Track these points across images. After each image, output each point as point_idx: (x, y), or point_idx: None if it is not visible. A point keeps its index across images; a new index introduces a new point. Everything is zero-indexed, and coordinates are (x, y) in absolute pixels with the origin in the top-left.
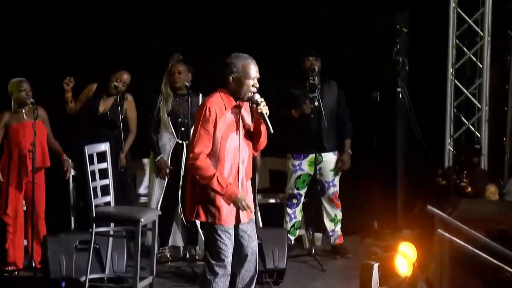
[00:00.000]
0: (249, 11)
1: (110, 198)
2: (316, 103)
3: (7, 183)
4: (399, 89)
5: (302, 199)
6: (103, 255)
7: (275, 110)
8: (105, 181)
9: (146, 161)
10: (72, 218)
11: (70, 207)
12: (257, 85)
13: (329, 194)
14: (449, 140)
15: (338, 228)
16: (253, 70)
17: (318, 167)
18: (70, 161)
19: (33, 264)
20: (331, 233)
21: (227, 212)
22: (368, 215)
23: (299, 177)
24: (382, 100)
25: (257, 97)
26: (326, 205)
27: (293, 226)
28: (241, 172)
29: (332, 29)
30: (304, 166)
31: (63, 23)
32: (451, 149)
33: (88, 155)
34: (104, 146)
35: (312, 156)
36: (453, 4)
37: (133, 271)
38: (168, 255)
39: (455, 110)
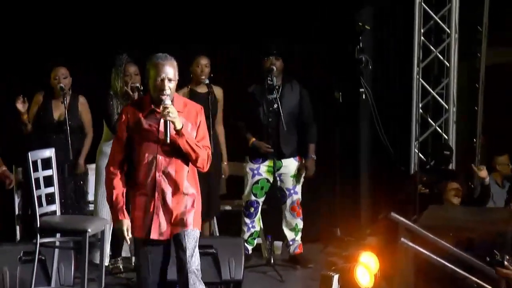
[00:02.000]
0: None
1: (56, 207)
2: (275, 106)
3: None
4: (362, 89)
5: (260, 207)
6: (49, 266)
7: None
8: (51, 189)
9: (92, 166)
10: (18, 228)
11: (16, 216)
12: (167, 87)
13: (291, 202)
14: (415, 143)
15: (299, 237)
16: (161, 71)
17: (278, 174)
18: (14, 169)
19: None
20: (291, 242)
21: (139, 223)
22: (330, 222)
23: (257, 182)
24: (344, 100)
25: (165, 101)
26: (286, 213)
27: (251, 235)
28: (162, 185)
29: (292, 26)
30: (262, 171)
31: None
32: (417, 151)
33: (32, 161)
34: (49, 152)
35: (270, 161)
36: (419, 0)
37: (81, 283)
38: (120, 266)
39: (421, 111)
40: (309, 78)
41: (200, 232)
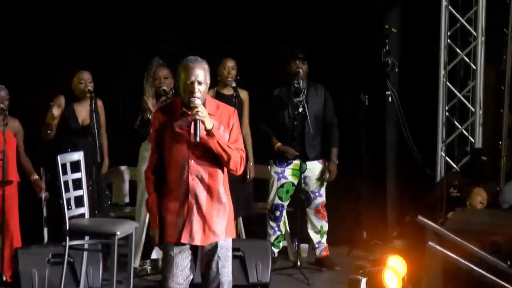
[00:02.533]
0: (238, 8)
1: (84, 209)
2: (301, 109)
3: None
4: (388, 92)
5: (285, 211)
6: (78, 269)
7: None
8: (79, 192)
9: (123, 168)
10: (45, 230)
11: (43, 218)
12: (196, 90)
13: (315, 205)
14: (441, 145)
15: (324, 239)
16: (190, 74)
17: (303, 177)
18: (44, 175)
19: (4, 278)
20: (316, 245)
21: (170, 227)
22: (356, 225)
23: (282, 186)
24: (370, 103)
25: (195, 101)
26: (311, 216)
27: (276, 239)
28: (195, 189)
29: (319, 29)
30: (287, 174)
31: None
32: (443, 154)
33: (61, 165)
34: (78, 156)
35: (296, 163)
36: (445, 3)
37: (109, 285)
38: (148, 269)
39: (447, 113)
40: (334, 81)
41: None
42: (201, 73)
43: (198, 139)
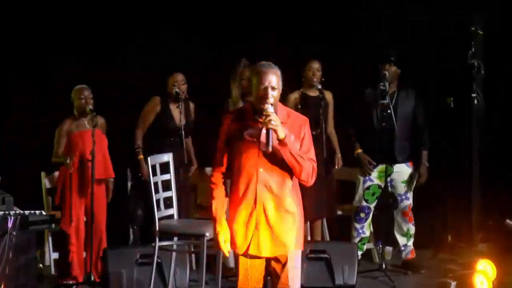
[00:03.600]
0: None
1: (173, 210)
2: (389, 111)
3: (69, 193)
4: (474, 95)
5: (371, 213)
6: (165, 269)
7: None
8: (168, 193)
9: (208, 169)
10: (131, 231)
11: (129, 219)
12: (270, 96)
13: (402, 208)
14: None
15: (411, 242)
16: (264, 79)
17: (389, 179)
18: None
19: (92, 278)
20: (403, 248)
21: (238, 237)
22: (441, 228)
23: (368, 188)
24: (456, 106)
25: (268, 108)
26: (398, 219)
27: (360, 241)
28: (263, 198)
29: (406, 32)
30: (374, 176)
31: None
32: None
33: (151, 166)
34: (167, 157)
35: (382, 166)
36: None
37: (198, 286)
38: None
39: None
40: (420, 84)
41: (310, 239)
42: (274, 79)
43: (270, 148)
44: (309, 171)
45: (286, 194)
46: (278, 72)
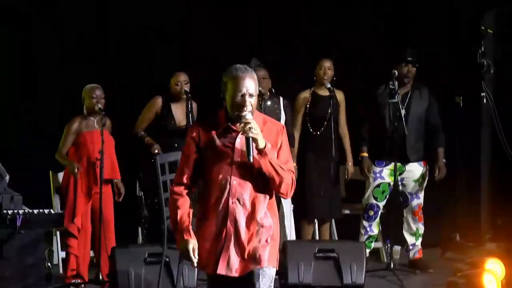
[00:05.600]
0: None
1: None
2: (403, 111)
3: (74, 191)
4: (483, 94)
5: (380, 211)
6: (173, 268)
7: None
8: None
9: None
10: (140, 230)
11: (137, 218)
12: (248, 103)
13: (413, 207)
14: None
15: (419, 242)
16: (241, 85)
17: (401, 178)
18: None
19: (101, 277)
20: (411, 247)
21: (206, 255)
22: (449, 227)
23: (378, 186)
24: (465, 105)
25: (246, 115)
26: (408, 217)
27: (368, 239)
28: (236, 213)
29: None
30: (385, 174)
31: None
32: None
33: (160, 165)
34: (175, 156)
35: (393, 164)
36: None
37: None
38: None
39: None
40: (429, 83)
41: (318, 238)
42: (252, 85)
43: (251, 159)
44: (288, 183)
45: (261, 208)
46: (255, 76)
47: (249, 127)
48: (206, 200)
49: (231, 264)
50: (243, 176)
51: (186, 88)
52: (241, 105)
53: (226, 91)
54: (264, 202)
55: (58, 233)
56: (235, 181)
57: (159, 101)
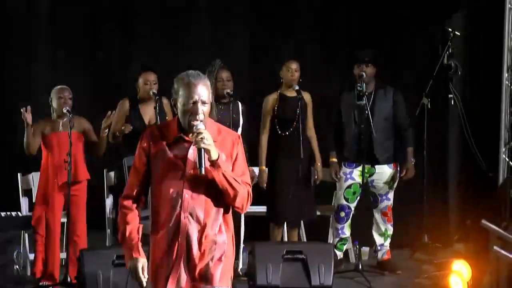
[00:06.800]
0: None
1: (149, 212)
2: (367, 112)
3: (43, 193)
4: (451, 95)
5: (351, 213)
6: None
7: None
8: None
9: None
10: (108, 232)
11: (106, 220)
12: (200, 111)
13: (382, 208)
14: (503, 149)
15: (387, 243)
16: (193, 92)
17: (371, 180)
18: (105, 173)
19: (69, 279)
20: (379, 248)
21: (155, 273)
22: (417, 228)
23: (349, 187)
24: (432, 106)
25: (198, 125)
26: (377, 218)
27: (340, 241)
28: (188, 229)
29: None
30: (355, 175)
31: None
32: (506, 158)
33: (128, 167)
34: None
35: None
36: (509, 5)
37: None
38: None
39: (510, 116)
40: (396, 84)
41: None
42: (204, 92)
43: (203, 171)
44: (244, 196)
45: (215, 224)
46: (208, 83)
47: (201, 138)
48: (157, 215)
49: (181, 283)
50: (196, 189)
51: (155, 89)
52: (194, 113)
53: (177, 99)
54: (218, 217)
55: (26, 235)
56: (187, 194)
57: (126, 103)
